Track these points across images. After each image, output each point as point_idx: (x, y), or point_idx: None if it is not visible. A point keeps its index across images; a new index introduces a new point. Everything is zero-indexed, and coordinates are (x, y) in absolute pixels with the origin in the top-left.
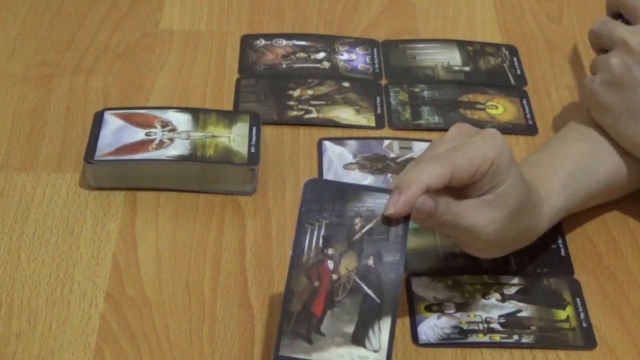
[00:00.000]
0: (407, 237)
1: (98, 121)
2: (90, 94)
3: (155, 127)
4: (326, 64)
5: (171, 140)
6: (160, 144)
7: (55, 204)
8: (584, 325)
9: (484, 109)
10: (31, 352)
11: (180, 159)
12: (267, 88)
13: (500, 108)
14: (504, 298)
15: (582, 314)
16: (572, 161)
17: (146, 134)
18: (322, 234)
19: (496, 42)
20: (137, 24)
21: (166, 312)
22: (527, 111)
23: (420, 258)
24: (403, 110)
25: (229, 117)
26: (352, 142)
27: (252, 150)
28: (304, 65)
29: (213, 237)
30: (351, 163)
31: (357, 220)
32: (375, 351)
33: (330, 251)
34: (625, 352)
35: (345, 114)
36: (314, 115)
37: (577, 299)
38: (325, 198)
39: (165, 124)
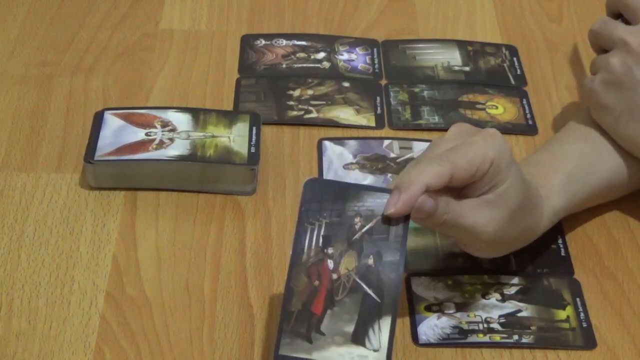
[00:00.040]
0: (407, 236)
1: (98, 121)
2: (90, 94)
3: (155, 127)
4: (326, 64)
5: (171, 140)
6: (160, 144)
7: (55, 204)
8: (584, 325)
9: (484, 109)
10: (31, 352)
11: (180, 159)
12: (267, 88)
13: (500, 108)
14: (504, 298)
15: (582, 314)
16: (572, 161)
17: (146, 134)
18: (322, 233)
19: (496, 42)
20: (137, 24)
21: (166, 312)
22: (527, 111)
23: (420, 258)
24: (403, 110)
25: (229, 117)
26: (352, 142)
27: (252, 150)
28: (304, 65)
29: (213, 237)
30: (351, 163)
31: (357, 219)
32: (375, 350)
33: (330, 250)
34: (625, 352)
35: (345, 114)
36: (314, 115)
37: (577, 299)
38: (325, 198)
39: (165, 124)
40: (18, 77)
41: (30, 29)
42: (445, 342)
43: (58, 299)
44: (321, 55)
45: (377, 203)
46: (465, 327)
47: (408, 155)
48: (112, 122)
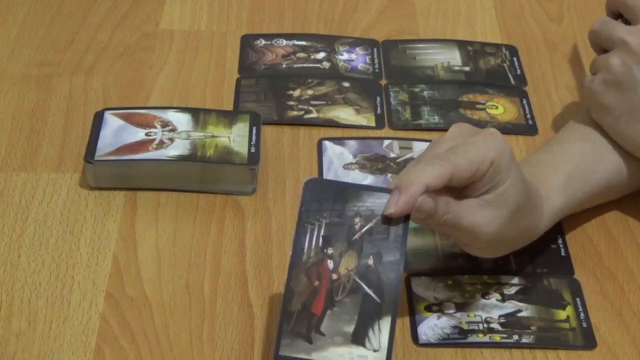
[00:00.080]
0: (407, 236)
1: (98, 121)
2: (90, 94)
3: (155, 127)
4: (326, 64)
5: (171, 140)
6: (160, 144)
7: (55, 204)
8: (584, 325)
9: (484, 109)
10: (31, 352)
11: (180, 159)
12: (267, 88)
13: (500, 108)
14: (504, 298)
15: (582, 314)
16: (572, 161)
17: (146, 134)
18: (322, 233)
19: (496, 42)
20: (137, 24)
21: (166, 312)
22: (527, 111)
23: (420, 258)
24: (403, 110)
25: (229, 117)
26: (352, 142)
27: (252, 150)
28: (304, 65)
29: (213, 237)
30: (351, 163)
31: (357, 219)
32: (375, 351)
33: (330, 251)
34: (625, 352)
35: (345, 114)
36: (314, 115)
37: (577, 299)
38: (325, 198)
39: (165, 124)
40: (18, 77)
41: (30, 29)
42: (445, 342)
43: (58, 299)
44: (321, 55)
45: (377, 203)
46: (465, 327)
47: (408, 155)
48: (112, 122)
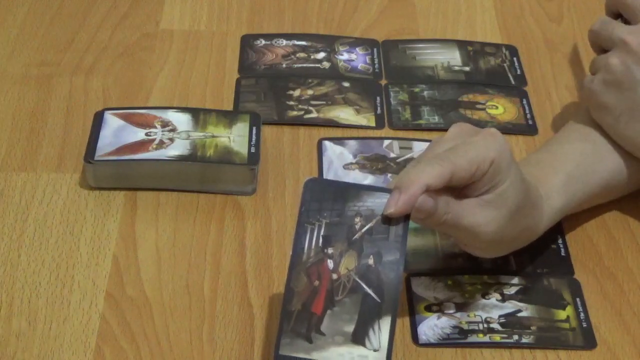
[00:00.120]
0: (407, 236)
1: (98, 121)
2: (90, 94)
3: (155, 127)
4: (326, 64)
5: (171, 140)
6: (160, 144)
7: (55, 204)
8: (584, 325)
9: (484, 109)
10: (31, 352)
11: (180, 159)
12: (267, 88)
13: (500, 108)
14: (504, 298)
15: (582, 314)
16: (572, 161)
17: (146, 134)
18: (322, 233)
19: (496, 42)
20: (137, 24)
21: (166, 312)
22: (527, 111)
23: (420, 258)
24: (403, 110)
25: (229, 117)
26: (352, 142)
27: (252, 150)
28: (304, 65)
29: (213, 237)
30: (351, 163)
31: (357, 219)
32: (375, 350)
33: (330, 250)
34: (625, 352)
35: (345, 114)
36: (314, 115)
37: (577, 299)
38: (325, 197)
39: (165, 124)
40: (18, 77)
41: (30, 29)
42: (445, 342)
43: (58, 299)
44: (321, 55)
45: (377, 203)
46: (465, 327)
47: (408, 155)
48: (112, 122)
